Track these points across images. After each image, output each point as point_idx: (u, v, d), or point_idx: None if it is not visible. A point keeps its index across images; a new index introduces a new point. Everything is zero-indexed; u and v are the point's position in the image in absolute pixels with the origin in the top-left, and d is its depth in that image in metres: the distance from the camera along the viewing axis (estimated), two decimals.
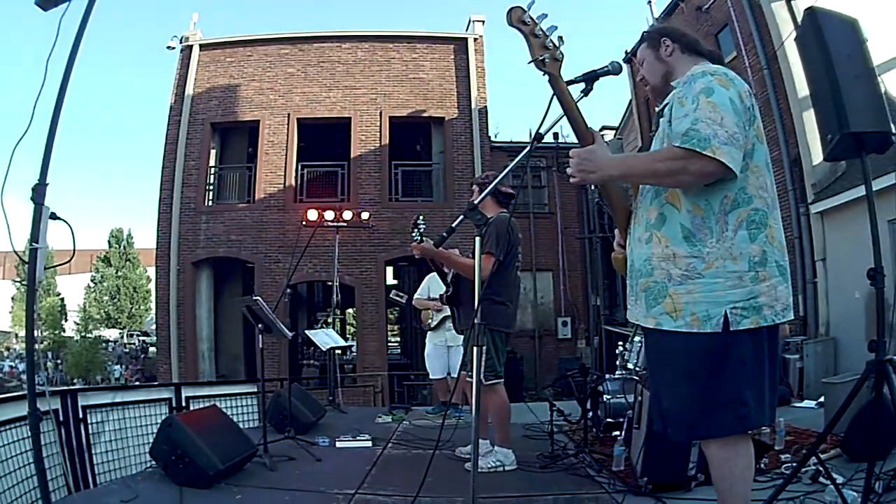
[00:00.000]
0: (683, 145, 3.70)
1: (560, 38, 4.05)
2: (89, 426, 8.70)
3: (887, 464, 5.11)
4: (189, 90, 28.61)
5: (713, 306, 3.83)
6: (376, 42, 29.78)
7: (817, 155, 18.04)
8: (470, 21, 30.00)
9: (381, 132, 28.49)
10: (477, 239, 4.75)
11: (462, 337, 12.62)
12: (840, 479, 5.49)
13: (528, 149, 4.77)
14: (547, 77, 4.08)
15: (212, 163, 29.36)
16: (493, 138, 30.81)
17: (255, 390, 11.79)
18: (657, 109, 4.42)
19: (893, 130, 4.90)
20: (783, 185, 19.53)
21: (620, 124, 36.09)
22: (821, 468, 5.36)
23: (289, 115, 28.67)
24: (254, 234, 27.36)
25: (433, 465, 6.96)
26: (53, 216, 4.84)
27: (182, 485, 6.43)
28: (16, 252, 4.78)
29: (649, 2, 26.63)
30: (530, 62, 4.04)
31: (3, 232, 4.90)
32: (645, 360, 8.74)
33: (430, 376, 12.55)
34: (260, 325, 8.41)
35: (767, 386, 3.99)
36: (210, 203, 28.89)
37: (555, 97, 4.16)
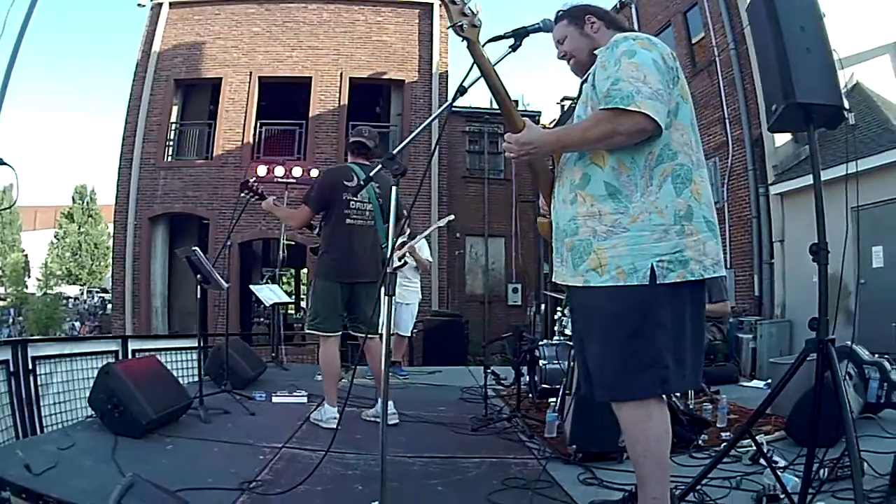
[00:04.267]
0: (607, 106, 3.79)
1: (477, 5, 4.12)
2: (38, 377, 8.79)
3: (836, 452, 5.03)
4: (156, 47, 28.52)
5: (639, 259, 3.88)
6: (342, 4, 29.65)
7: (781, 137, 18.32)
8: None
9: (340, 92, 28.47)
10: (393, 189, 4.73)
11: (415, 294, 12.81)
12: (782, 463, 5.44)
13: (448, 102, 4.77)
14: (465, 43, 4.16)
15: (173, 119, 29.17)
16: None
17: (195, 345, 11.85)
18: (580, 79, 4.46)
19: (846, 105, 4.83)
20: (744, 165, 19.77)
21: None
22: (764, 448, 5.34)
23: (251, 73, 28.62)
24: (210, 190, 27.35)
25: (365, 423, 7.15)
26: (1, 162, 4.93)
27: (117, 434, 6.47)
28: None
29: None
30: (449, 27, 4.15)
31: None
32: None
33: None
34: (199, 276, 8.46)
35: (691, 348, 4.04)
36: (169, 159, 28.82)
37: (474, 62, 4.24)
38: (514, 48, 4.38)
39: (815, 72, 4.58)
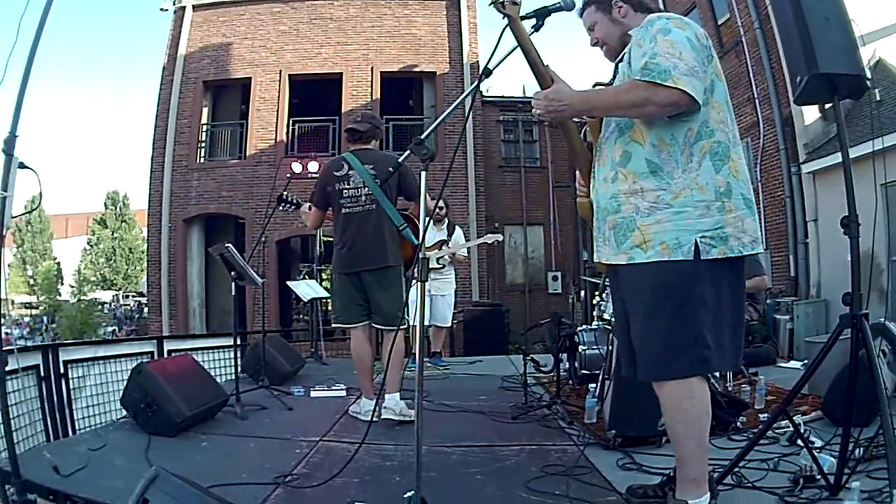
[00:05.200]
0: (644, 78, 3.75)
1: None
2: (70, 381, 8.79)
3: (872, 431, 4.90)
4: (182, 50, 28.62)
5: (683, 234, 3.85)
6: None
7: (810, 115, 18.17)
8: None
9: (371, 87, 28.46)
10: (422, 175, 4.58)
11: (451, 285, 12.72)
12: (819, 443, 5.39)
13: (476, 83, 4.67)
14: (506, 20, 4.07)
15: (204, 121, 29.34)
16: (484, 93, 30.58)
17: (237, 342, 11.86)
18: (616, 60, 4.38)
19: (868, 75, 4.80)
20: (775, 145, 19.58)
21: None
22: (801, 428, 5.23)
23: (280, 71, 28.65)
24: (245, 189, 27.42)
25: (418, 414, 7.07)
26: (22, 165, 4.87)
27: (151, 433, 6.44)
28: None
29: None
30: (490, 4, 4.06)
31: None
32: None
33: (411, 323, 12.26)
34: (233, 273, 8.48)
35: (731, 327, 3.99)
36: (202, 160, 28.95)
37: (514, 39, 4.14)
38: (536, 28, 4.26)
39: (835, 41, 4.54)
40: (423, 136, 4.51)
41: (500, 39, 4.21)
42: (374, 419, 6.35)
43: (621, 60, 4.23)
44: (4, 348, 4.83)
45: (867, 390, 4.08)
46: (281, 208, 8.95)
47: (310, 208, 8.13)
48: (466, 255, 13.48)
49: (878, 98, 15.83)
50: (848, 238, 4.41)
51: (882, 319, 7.50)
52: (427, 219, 4.65)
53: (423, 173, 4.54)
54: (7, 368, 4.69)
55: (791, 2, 4.58)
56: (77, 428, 8.58)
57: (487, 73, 4.44)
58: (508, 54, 4.30)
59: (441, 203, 7.38)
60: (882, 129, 13.11)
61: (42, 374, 8.20)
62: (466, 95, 5.08)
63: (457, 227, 12.77)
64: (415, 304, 9.23)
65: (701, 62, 3.84)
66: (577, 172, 4.75)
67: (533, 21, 4.24)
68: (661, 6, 23.79)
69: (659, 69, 3.72)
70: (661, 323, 3.91)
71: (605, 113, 4.18)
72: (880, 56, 17.99)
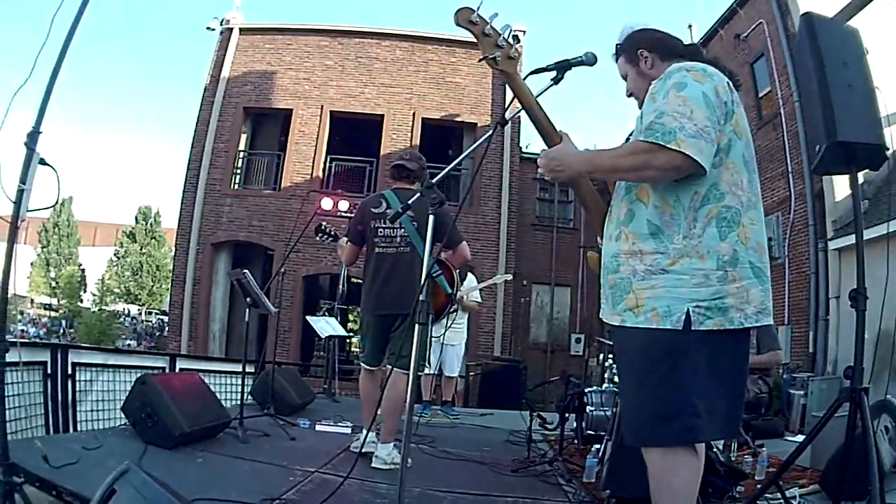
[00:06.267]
0: (647, 139, 3.63)
1: (515, 36, 4.08)
2: (77, 383, 8.77)
3: None
4: (225, 73, 28.84)
5: (675, 302, 3.71)
6: (415, 42, 29.90)
7: (841, 191, 18.07)
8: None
9: (412, 132, 28.58)
10: (430, 218, 4.60)
11: (461, 335, 12.71)
12: None
13: (490, 133, 4.68)
14: (502, 75, 4.08)
15: (241, 147, 29.47)
16: (523, 149, 30.72)
17: (251, 370, 11.82)
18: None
19: (888, 145, 4.72)
20: (804, 220, 19.55)
21: None
22: (792, 501, 5.19)
23: (322, 106, 28.82)
24: (276, 221, 27.40)
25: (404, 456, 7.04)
26: (42, 161, 4.89)
27: (148, 443, 6.45)
28: (3, 191, 4.80)
29: (689, 26, 26.46)
30: (481, 59, 4.04)
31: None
32: None
33: (426, 372, 12.04)
34: (248, 299, 8.47)
35: (727, 397, 3.86)
36: (236, 187, 29.06)
37: (515, 96, 4.16)
38: (556, 81, 4.25)
39: (857, 109, 4.51)
40: (433, 181, 4.53)
41: (513, 98, 4.20)
42: (362, 451, 6.39)
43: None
44: (11, 340, 4.85)
45: (858, 463, 4.03)
46: (318, 238, 8.97)
47: (346, 242, 8.04)
48: (479, 301, 13.38)
49: None
50: (877, 320, 4.37)
51: (887, 395, 7.48)
52: (430, 264, 4.63)
53: (432, 217, 4.56)
54: (8, 359, 4.71)
55: (816, 69, 4.57)
56: (78, 429, 8.56)
57: (503, 122, 4.45)
58: (516, 113, 4.32)
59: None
60: None
61: (49, 371, 8.22)
62: (479, 144, 5.08)
63: (468, 274, 12.75)
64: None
65: (715, 121, 3.70)
66: (594, 227, 4.65)
67: (553, 74, 4.23)
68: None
69: (664, 130, 3.61)
70: (649, 389, 3.84)
71: (606, 176, 4.19)
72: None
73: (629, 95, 4.47)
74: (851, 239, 16.05)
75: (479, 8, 3.91)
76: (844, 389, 4.34)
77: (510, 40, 4.02)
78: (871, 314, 4.47)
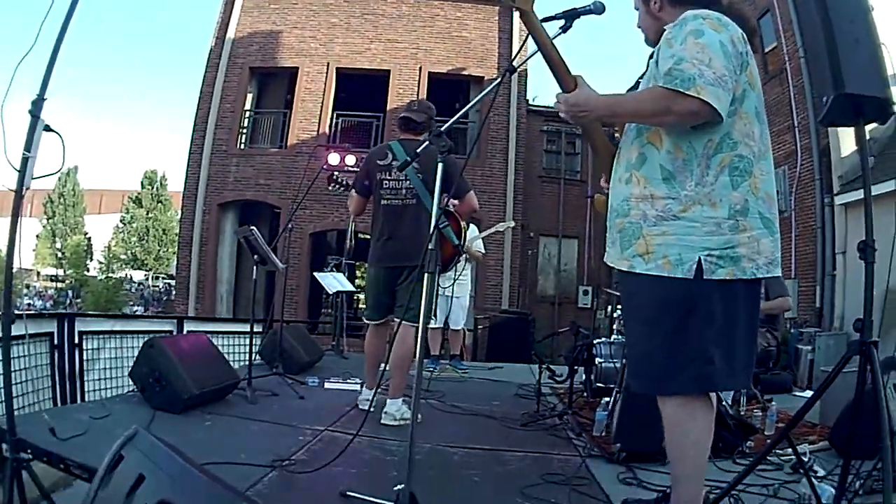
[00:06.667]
0: (667, 85, 3.62)
1: None
2: (84, 352, 8.80)
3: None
4: (231, 34, 28.76)
5: (687, 250, 3.73)
6: None
7: (847, 147, 18.07)
8: None
9: (419, 87, 28.55)
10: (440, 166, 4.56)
11: (466, 287, 12.68)
12: (821, 473, 5.33)
13: (498, 80, 4.65)
14: (518, 13, 4.04)
15: (247, 107, 29.51)
16: (530, 102, 30.78)
17: (259, 330, 11.80)
18: (649, 54, 4.27)
19: (894, 99, 4.63)
20: (811, 175, 19.58)
21: None
22: (803, 457, 5.16)
23: (328, 63, 28.81)
24: (283, 179, 27.45)
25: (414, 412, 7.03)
26: (47, 128, 4.86)
27: (156, 408, 6.45)
28: (9, 161, 4.78)
29: None
30: None
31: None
32: None
33: (432, 325, 12.19)
34: (255, 256, 8.49)
35: (741, 346, 3.87)
36: (242, 146, 29.08)
37: (530, 35, 4.13)
38: (564, 30, 4.22)
39: (863, 63, 4.44)
40: (442, 129, 4.47)
41: (527, 37, 4.17)
42: (371, 409, 6.29)
43: (651, 57, 4.12)
44: (17, 313, 4.84)
45: (874, 421, 3.99)
46: (331, 188, 8.98)
47: (354, 193, 8.00)
48: (483, 251, 13.34)
49: None
50: (885, 276, 4.34)
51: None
52: (440, 212, 4.60)
53: (441, 165, 4.51)
54: (14, 332, 4.69)
55: (822, 21, 4.50)
56: (86, 399, 8.56)
57: (511, 70, 4.42)
58: (533, 54, 4.26)
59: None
60: None
61: (56, 342, 8.22)
62: (487, 93, 5.06)
63: (471, 224, 12.72)
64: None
65: (732, 70, 3.69)
66: (601, 171, 4.64)
67: (561, 22, 4.20)
68: None
69: (683, 76, 3.59)
70: (662, 336, 3.83)
71: (627, 119, 4.13)
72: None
73: (639, 26, 4.44)
74: (857, 194, 16.20)
75: None
76: (853, 343, 4.24)
77: None
78: (879, 271, 4.44)
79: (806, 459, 5.01)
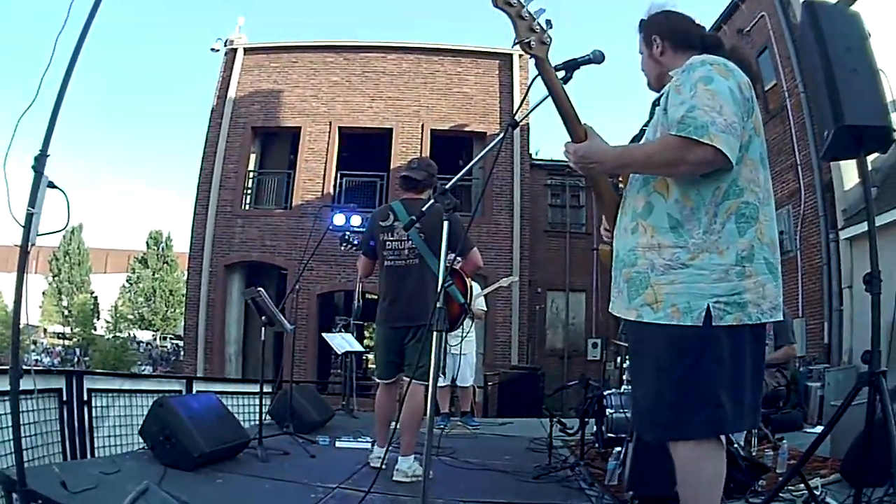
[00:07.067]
0: (679, 133, 3.59)
1: (548, 21, 3.97)
2: (93, 409, 8.77)
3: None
4: (232, 93, 28.93)
5: (695, 298, 3.68)
6: (421, 55, 30.05)
7: (850, 180, 18.15)
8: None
9: (422, 144, 28.61)
10: (445, 224, 4.57)
11: (471, 344, 12.66)
12: None
13: (501, 135, 4.64)
14: (533, 60, 4.01)
15: (251, 167, 29.67)
16: (533, 156, 30.83)
17: (268, 390, 11.80)
18: (653, 100, 4.31)
19: (895, 126, 4.71)
20: (815, 211, 19.68)
21: None
22: (815, 491, 5.17)
23: (330, 123, 28.95)
24: (289, 240, 27.44)
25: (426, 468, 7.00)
26: (51, 185, 4.88)
27: (167, 465, 6.42)
28: (14, 217, 4.78)
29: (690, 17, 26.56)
30: (515, 43, 3.99)
31: (4, 202, 4.93)
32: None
33: (441, 383, 12.09)
34: (263, 318, 8.50)
35: (748, 389, 3.85)
36: (247, 207, 29.22)
37: (543, 83, 4.06)
38: (564, 80, 4.16)
39: (862, 92, 4.50)
40: (447, 186, 4.49)
41: (530, 87, 4.17)
42: (383, 467, 6.25)
43: (657, 103, 4.13)
44: (25, 368, 4.84)
45: (885, 450, 3.99)
46: (343, 248, 9.14)
47: (361, 255, 8.01)
48: (485, 308, 13.34)
49: None
50: (893, 309, 4.34)
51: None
52: (447, 270, 4.62)
53: (447, 223, 4.52)
54: (22, 388, 4.69)
55: (820, 55, 4.57)
56: (96, 455, 8.54)
57: (514, 124, 4.41)
58: (540, 102, 4.26)
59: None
60: None
61: (65, 398, 8.20)
62: (490, 148, 5.04)
63: (480, 292, 12.70)
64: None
65: (741, 117, 3.67)
66: (604, 218, 4.63)
67: (562, 73, 4.16)
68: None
69: (696, 124, 3.56)
70: (672, 382, 3.80)
71: (638, 171, 4.07)
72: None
73: (642, 70, 4.46)
74: (862, 227, 16.16)
75: None
76: (862, 374, 4.34)
77: (543, 25, 3.96)
78: (885, 301, 4.46)
79: (818, 493, 5.01)
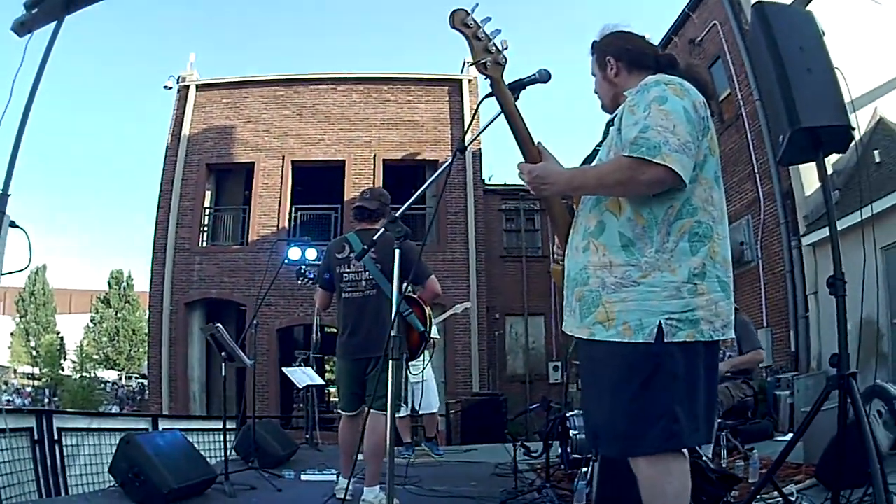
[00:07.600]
0: (632, 154, 3.62)
1: (503, 42, 4.06)
2: (64, 448, 8.83)
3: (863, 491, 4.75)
4: (185, 130, 28.84)
5: (647, 315, 3.70)
6: (371, 84, 30.08)
7: (810, 186, 18.18)
8: (465, 63, 29.45)
9: (374, 175, 28.56)
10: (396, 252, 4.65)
11: (427, 373, 12.66)
12: None
13: (449, 160, 4.72)
14: (489, 81, 4.10)
15: (207, 204, 29.48)
16: (486, 181, 30.92)
17: (232, 426, 11.83)
18: (607, 119, 4.34)
19: (853, 124, 4.68)
20: (775, 219, 19.60)
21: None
22: (790, 497, 5.20)
23: (283, 157, 28.93)
24: (246, 276, 27.39)
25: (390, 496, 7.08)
26: (13, 224, 4.95)
27: (138, 503, 6.48)
28: None
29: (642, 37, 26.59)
30: (471, 64, 4.08)
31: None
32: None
33: (401, 413, 12.05)
34: (223, 353, 8.55)
35: (703, 403, 3.88)
36: (204, 244, 29.08)
37: (498, 104, 4.16)
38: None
39: (818, 92, 4.50)
40: (397, 214, 4.56)
41: (478, 108, 4.29)
42: (347, 498, 6.37)
43: (612, 123, 4.18)
44: None
45: (859, 451, 4.07)
46: (300, 282, 9.17)
47: (318, 288, 8.02)
48: (437, 336, 13.35)
49: (877, 160, 16.11)
50: (858, 311, 4.42)
51: (876, 381, 7.51)
52: (400, 299, 4.70)
53: (398, 251, 4.61)
54: None
55: (772, 57, 4.56)
56: (69, 493, 8.58)
57: (462, 149, 4.47)
58: (490, 123, 4.35)
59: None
60: (882, 190, 13.12)
61: (36, 437, 8.25)
62: (439, 174, 5.11)
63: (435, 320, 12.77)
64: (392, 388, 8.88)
65: (695, 137, 3.71)
66: (556, 238, 4.69)
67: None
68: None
69: (649, 144, 3.59)
70: (627, 399, 3.81)
71: (590, 192, 4.07)
72: (881, 115, 17.94)
73: (595, 92, 4.49)
74: (824, 233, 16.22)
75: (473, 11, 3.97)
76: (831, 378, 4.35)
77: (499, 45, 4.05)
78: (851, 303, 4.50)
79: (794, 499, 5.08)
